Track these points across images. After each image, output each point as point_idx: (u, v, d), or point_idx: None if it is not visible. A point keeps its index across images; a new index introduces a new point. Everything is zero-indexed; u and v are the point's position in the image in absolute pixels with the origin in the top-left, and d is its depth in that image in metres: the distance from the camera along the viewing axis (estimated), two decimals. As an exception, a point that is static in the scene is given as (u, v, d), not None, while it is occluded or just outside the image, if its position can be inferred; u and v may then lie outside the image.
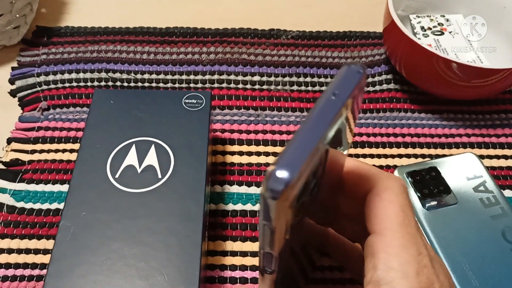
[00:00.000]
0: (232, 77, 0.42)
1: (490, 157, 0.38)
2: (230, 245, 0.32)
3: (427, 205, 0.33)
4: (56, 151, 0.37)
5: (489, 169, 0.36)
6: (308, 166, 0.15)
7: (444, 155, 0.37)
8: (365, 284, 0.21)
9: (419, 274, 0.20)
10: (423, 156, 0.38)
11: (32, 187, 0.35)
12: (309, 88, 0.42)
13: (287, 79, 0.42)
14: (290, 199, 0.15)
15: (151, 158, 0.31)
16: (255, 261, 0.32)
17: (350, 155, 0.38)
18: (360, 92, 0.19)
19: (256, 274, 0.31)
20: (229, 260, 0.32)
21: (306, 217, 0.21)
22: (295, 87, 0.42)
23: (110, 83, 0.41)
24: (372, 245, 0.21)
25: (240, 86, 0.42)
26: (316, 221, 0.26)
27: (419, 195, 0.33)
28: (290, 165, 0.14)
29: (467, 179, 0.34)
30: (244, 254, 0.32)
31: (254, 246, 0.32)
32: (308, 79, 0.42)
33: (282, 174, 0.14)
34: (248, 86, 0.42)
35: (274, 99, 0.41)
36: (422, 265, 0.20)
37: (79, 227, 0.28)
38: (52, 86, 0.41)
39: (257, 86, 0.42)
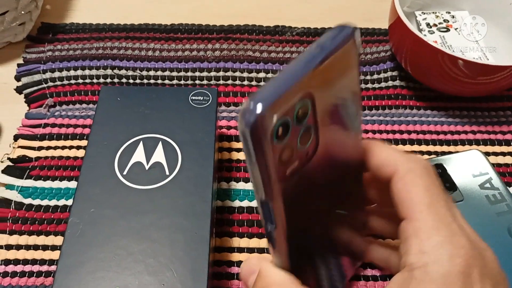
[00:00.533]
0: (238, 74, 0.42)
1: (496, 154, 0.38)
2: (237, 242, 0.32)
3: (433, 202, 0.33)
4: (63, 148, 0.37)
5: (495, 166, 0.36)
6: (283, 103, 0.17)
7: (449, 152, 0.37)
8: (400, 269, 0.20)
9: (454, 256, 0.19)
10: (428, 153, 0.38)
11: (40, 183, 0.35)
12: (315, 85, 0.42)
13: (292, 76, 0.42)
14: (266, 131, 0.16)
15: (159, 155, 0.31)
16: (261, 257, 0.32)
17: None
18: (351, 53, 0.19)
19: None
20: (236, 257, 0.32)
21: (315, 176, 0.20)
22: (300, 84, 0.42)
23: (115, 80, 0.41)
24: (404, 231, 0.20)
25: (246, 83, 0.42)
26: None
27: (425, 192, 0.33)
28: (262, 99, 0.16)
29: (473, 176, 0.34)
30: (251, 250, 0.32)
31: (260, 243, 0.32)
32: (314, 76, 0.42)
33: (254, 106, 0.16)
34: (254, 83, 0.42)
35: (280, 96, 0.41)
36: (457, 246, 0.19)
37: (88, 224, 0.28)
38: (58, 83, 0.41)
39: (262, 83, 0.42)
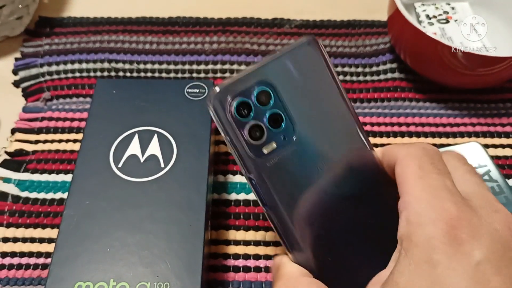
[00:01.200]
0: (235, 66, 0.42)
1: (495, 146, 0.37)
2: (233, 234, 0.32)
3: (430, 194, 0.33)
4: (60, 141, 0.37)
5: (494, 158, 0.36)
6: (237, 85, 0.21)
7: (448, 144, 0.37)
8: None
9: (437, 220, 0.19)
10: (427, 145, 0.37)
11: (36, 177, 0.35)
12: (313, 77, 0.42)
13: (290, 68, 0.42)
14: (226, 105, 0.21)
15: (154, 148, 0.31)
16: (258, 250, 0.32)
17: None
18: (313, 57, 0.22)
19: (259, 263, 0.31)
20: (232, 249, 0.32)
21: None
22: (298, 77, 0.42)
23: (112, 73, 0.41)
24: (399, 208, 0.21)
25: (243, 75, 0.41)
26: None
27: (422, 184, 0.33)
28: (220, 85, 0.21)
29: (472, 168, 0.34)
30: (247, 243, 0.32)
31: (257, 235, 0.32)
32: (312, 68, 0.42)
33: (214, 90, 0.21)
34: (251, 75, 0.41)
35: (277, 89, 0.41)
36: (440, 210, 0.19)
37: (83, 216, 0.28)
38: (55, 76, 0.41)
39: (260, 76, 0.41)
